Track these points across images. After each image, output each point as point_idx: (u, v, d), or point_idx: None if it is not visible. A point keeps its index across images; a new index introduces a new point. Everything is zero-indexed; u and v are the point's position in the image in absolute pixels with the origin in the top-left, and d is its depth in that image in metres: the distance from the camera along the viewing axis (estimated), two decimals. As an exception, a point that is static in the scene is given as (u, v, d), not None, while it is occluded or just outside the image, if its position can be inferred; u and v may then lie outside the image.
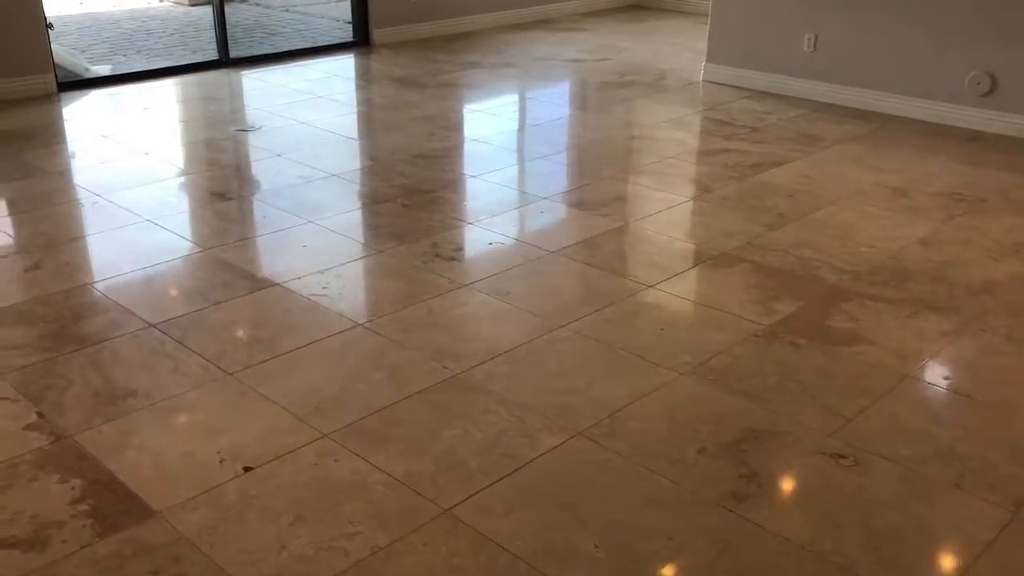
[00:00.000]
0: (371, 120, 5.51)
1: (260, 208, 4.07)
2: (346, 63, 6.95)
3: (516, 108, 5.85)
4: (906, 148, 4.94)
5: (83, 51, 7.38)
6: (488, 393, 2.65)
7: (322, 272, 3.43)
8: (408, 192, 4.25)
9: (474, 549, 2.06)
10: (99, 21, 8.87)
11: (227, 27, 6.63)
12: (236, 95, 6.10)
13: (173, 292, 3.27)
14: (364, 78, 6.58)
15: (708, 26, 6.33)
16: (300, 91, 6.01)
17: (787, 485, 2.29)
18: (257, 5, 9.78)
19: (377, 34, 7.34)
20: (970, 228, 3.87)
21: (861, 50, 5.59)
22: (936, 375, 2.80)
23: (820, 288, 3.33)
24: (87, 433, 2.46)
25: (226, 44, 6.63)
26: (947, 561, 2.07)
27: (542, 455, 2.38)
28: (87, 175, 4.45)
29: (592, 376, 2.74)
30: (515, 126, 5.48)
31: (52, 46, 5.78)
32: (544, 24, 8.31)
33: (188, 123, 5.40)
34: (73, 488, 2.24)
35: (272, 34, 8.18)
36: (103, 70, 6.56)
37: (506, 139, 5.21)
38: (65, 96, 5.79)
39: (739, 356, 2.86)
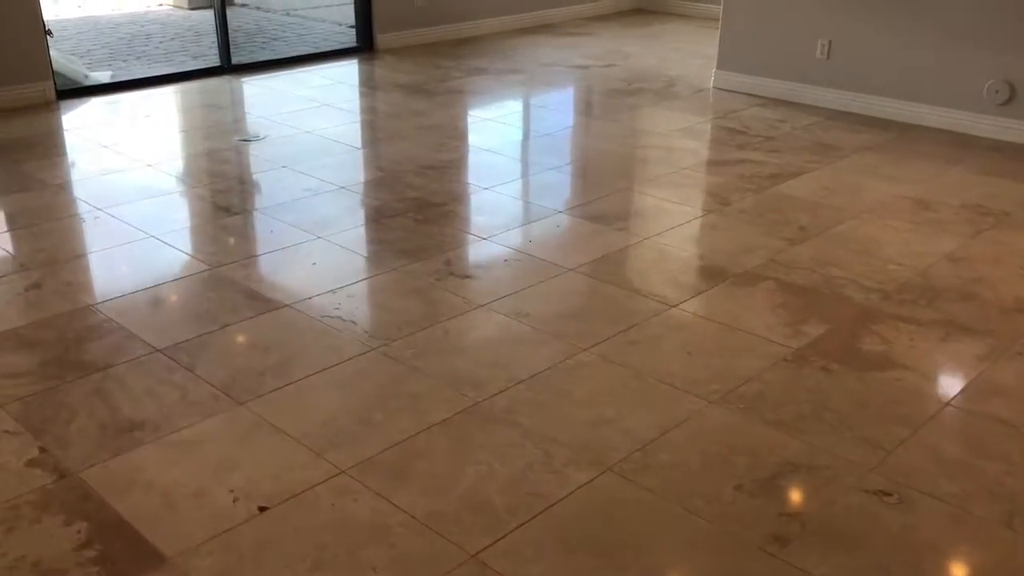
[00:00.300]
0: (377, 129, 5.40)
1: (267, 222, 3.96)
2: (350, 69, 6.83)
3: (525, 116, 5.74)
4: (924, 158, 4.83)
5: (82, 56, 7.26)
6: (511, 424, 2.54)
7: (333, 292, 3.31)
8: (418, 206, 4.14)
9: (504, 598, 1.95)
10: (98, 25, 8.75)
11: (229, 32, 6.51)
12: (238, 103, 5.98)
13: (179, 314, 3.16)
14: (369, 85, 6.47)
15: (718, 32, 6.22)
16: (304, 99, 5.90)
17: (831, 526, 2.18)
18: (258, 9, 9.66)
19: (381, 39, 7.23)
20: (998, 243, 3.77)
21: (876, 57, 5.49)
22: (975, 403, 2.69)
23: (848, 308, 3.23)
24: (93, 469, 2.34)
25: (228, 50, 6.52)
26: (1003, 609, 1.97)
27: (572, 493, 2.27)
28: (88, 188, 4.34)
29: (619, 405, 2.63)
30: (525, 135, 5.37)
31: (51, 53, 5.66)
32: (548, 29, 8.20)
33: (190, 132, 5.28)
34: (79, 531, 2.13)
35: (273, 39, 8.06)
36: (103, 77, 6.44)
37: (516, 149, 5.10)
38: (64, 104, 5.66)
39: (770, 383, 2.75)
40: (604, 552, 2.08)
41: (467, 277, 3.45)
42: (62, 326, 3.05)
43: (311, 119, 5.43)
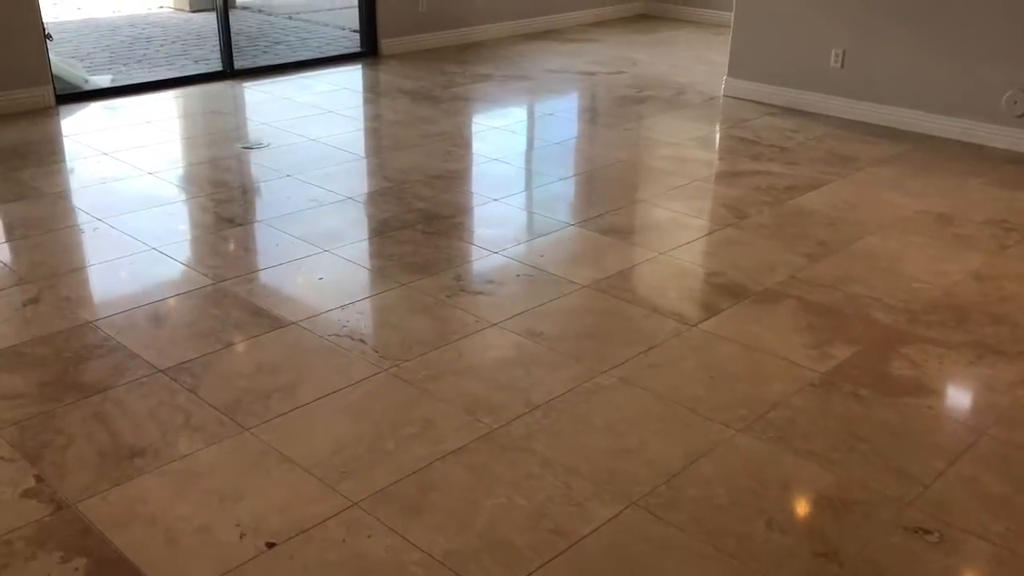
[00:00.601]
0: (383, 137, 5.29)
1: (271, 235, 3.84)
2: (354, 75, 6.72)
3: (533, 124, 5.63)
4: (943, 171, 4.73)
5: (82, 60, 7.14)
6: (530, 453, 2.43)
7: (341, 308, 3.20)
8: (427, 217, 4.02)
9: (528, 646, 1.84)
10: (99, 28, 8.63)
11: (231, 36, 6.40)
12: (241, 109, 5.87)
13: (182, 331, 3.04)
14: (374, 91, 6.36)
15: (729, 39, 6.12)
16: (307, 105, 5.78)
17: (870, 567, 2.06)
18: (260, 12, 9.55)
19: (385, 44, 7.12)
20: (1024, 261, 3.66)
21: (891, 66, 5.38)
22: (1013, 431, 2.58)
23: (875, 329, 3.12)
24: (91, 501, 2.22)
25: (230, 54, 6.41)
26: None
27: (596, 530, 2.15)
28: (87, 197, 4.22)
29: (642, 433, 2.52)
30: (534, 144, 5.26)
31: (50, 57, 5.55)
32: (554, 34, 8.10)
33: (192, 139, 5.17)
34: (77, 570, 2.01)
35: (276, 43, 7.95)
36: (103, 81, 6.32)
37: (524, 158, 4.99)
38: (63, 109, 5.55)
39: (798, 409, 2.64)
40: (633, 596, 1.97)
41: (478, 293, 3.34)
42: (60, 344, 2.93)
43: (315, 126, 5.32)
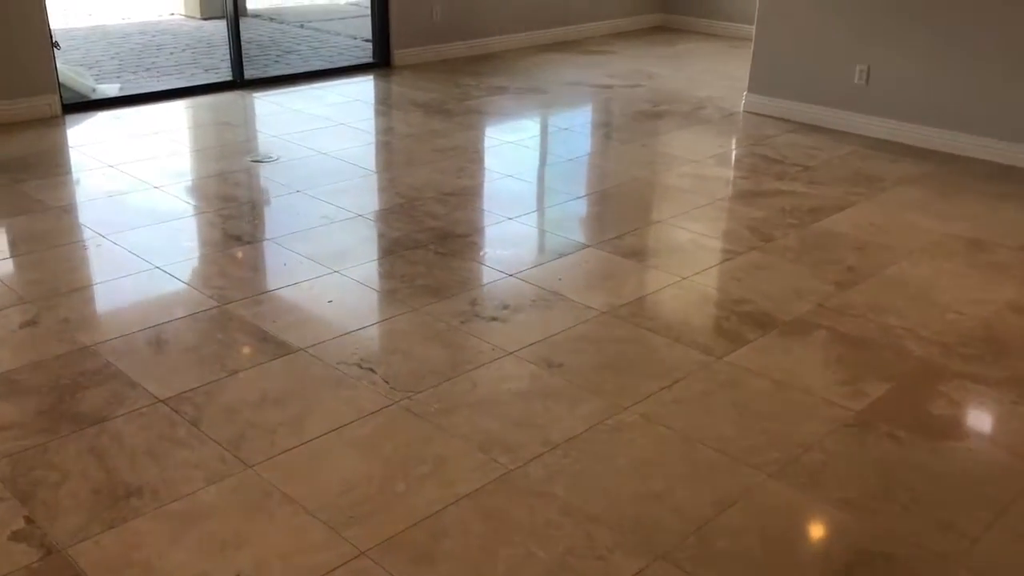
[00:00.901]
0: (395, 151, 5.16)
1: (280, 254, 3.72)
2: (366, 86, 6.61)
3: (549, 139, 5.50)
4: (972, 193, 4.58)
5: (90, 67, 7.05)
6: (549, 497, 2.28)
7: (350, 334, 3.07)
8: (440, 237, 3.89)
9: None
10: (108, 35, 8.55)
11: (241, 45, 6.30)
12: (250, 120, 5.76)
13: (184, 358, 2.91)
14: (386, 103, 6.24)
15: (750, 54, 5.98)
16: (318, 117, 5.66)
17: (917, 632, 1.92)
18: (271, 20, 9.46)
19: (398, 55, 7.00)
20: (1063, 290, 3.51)
21: (917, 84, 5.24)
22: (1061, 479, 2.43)
23: (909, 364, 2.97)
24: (84, 545, 2.09)
25: (240, 64, 6.30)
26: None
27: (621, 586, 2.01)
28: (91, 211, 4.10)
29: (668, 477, 2.38)
30: (550, 160, 5.13)
31: (57, 65, 5.45)
32: (570, 46, 7.97)
33: (200, 152, 5.06)
34: (65, 624, 1.88)
35: (288, 52, 7.85)
36: (111, 90, 6.22)
37: (540, 175, 4.86)
38: (70, 119, 5.45)
39: (832, 452, 2.50)
40: (663, 664, 1.83)
41: (493, 319, 3.20)
42: (57, 370, 2.81)
43: (326, 139, 5.20)
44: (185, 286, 3.40)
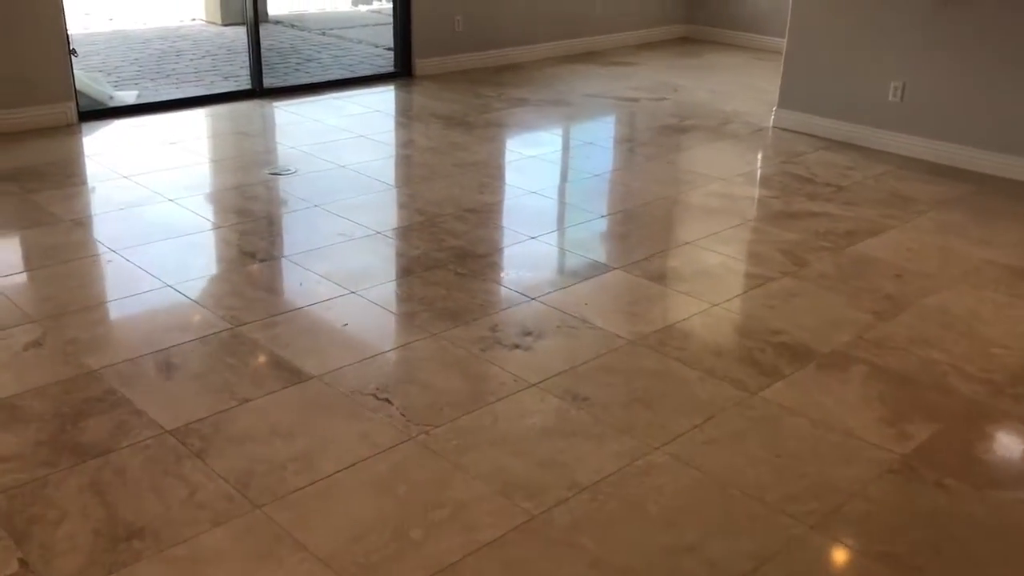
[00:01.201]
0: (415, 165, 5.04)
1: (295, 273, 3.60)
2: (386, 96, 6.50)
3: (572, 154, 5.36)
4: (1011, 216, 4.40)
5: (109, 74, 6.98)
6: (576, 549, 2.14)
7: (366, 361, 2.94)
8: (460, 256, 3.76)
9: None
10: (128, 40, 8.48)
11: (261, 53, 6.20)
12: (269, 131, 5.65)
13: (193, 384, 2.79)
14: (406, 115, 6.12)
15: (780, 68, 5.82)
16: (338, 128, 5.55)
17: None
18: (292, 27, 9.38)
19: (420, 64, 6.89)
20: (1114, 324, 3.34)
21: (954, 101, 5.06)
22: (1124, 535, 2.27)
23: (955, 403, 2.81)
24: (80, 593, 1.97)
25: (260, 72, 6.20)
26: None
27: (653, 652, 1.87)
28: (104, 225, 4.00)
29: (701, 525, 2.23)
30: (573, 176, 4.99)
31: (75, 72, 5.36)
32: (593, 57, 7.83)
33: (218, 163, 4.95)
34: None
35: (308, 60, 7.75)
36: (128, 97, 6.14)
37: (563, 191, 4.73)
38: (86, 127, 5.36)
39: (877, 501, 2.34)
40: None
41: (515, 347, 3.07)
42: (60, 396, 2.69)
43: (345, 152, 5.08)
44: (197, 306, 3.29)
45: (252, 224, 4.06)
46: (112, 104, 5.89)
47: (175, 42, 8.45)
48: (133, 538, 2.14)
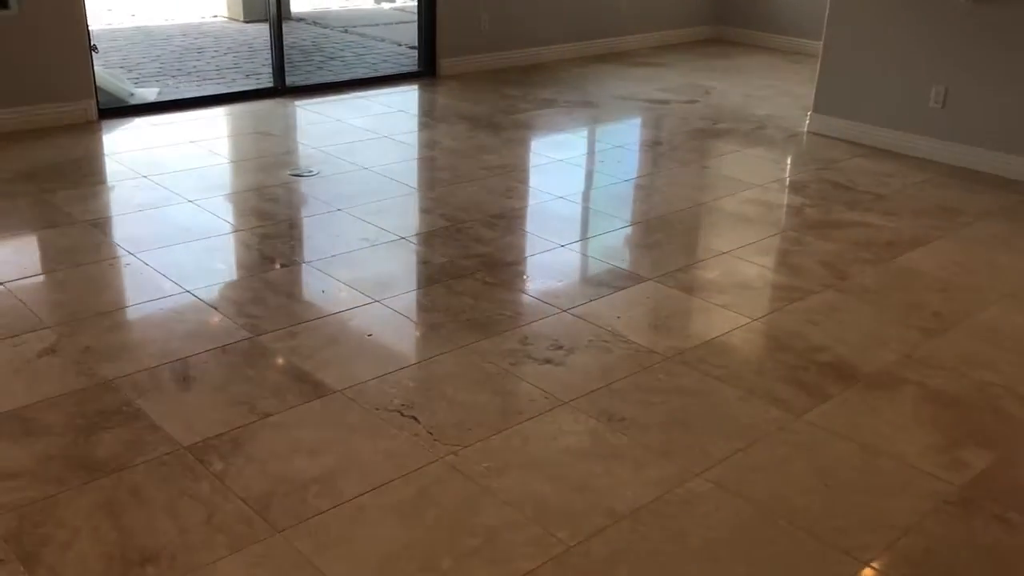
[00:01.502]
0: (440, 168, 4.92)
1: (318, 279, 3.48)
2: (410, 96, 6.38)
3: (602, 158, 5.22)
4: (1062, 228, 4.24)
5: (130, 70, 6.89)
6: (615, 584, 2.01)
7: (391, 374, 2.82)
8: (487, 264, 3.63)
9: None
10: (150, 36, 8.41)
11: (284, 50, 6.10)
12: (291, 130, 5.54)
13: (212, 397, 2.68)
14: (431, 115, 6.00)
15: (816, 71, 5.66)
16: (361, 128, 5.44)
17: None
18: (315, 24, 9.28)
19: (444, 64, 6.77)
20: None
21: (998, 108, 4.89)
22: None
23: (1011, 428, 2.66)
24: (89, 624, 1.86)
25: (282, 71, 6.10)
26: None
27: None
28: (122, 226, 3.90)
29: (748, 560, 2.09)
30: (603, 181, 4.85)
31: (95, 69, 5.27)
32: (621, 57, 7.69)
33: (238, 164, 4.84)
34: None
35: (331, 58, 7.65)
36: (149, 95, 6.05)
37: (593, 197, 4.59)
38: (106, 124, 5.27)
39: (935, 537, 2.20)
40: None
41: (546, 362, 2.94)
42: (73, 408, 2.58)
43: (368, 153, 4.96)
44: (216, 313, 3.17)
45: (273, 227, 3.94)
46: (133, 101, 5.80)
47: (197, 39, 8.37)
48: (146, 563, 2.02)
